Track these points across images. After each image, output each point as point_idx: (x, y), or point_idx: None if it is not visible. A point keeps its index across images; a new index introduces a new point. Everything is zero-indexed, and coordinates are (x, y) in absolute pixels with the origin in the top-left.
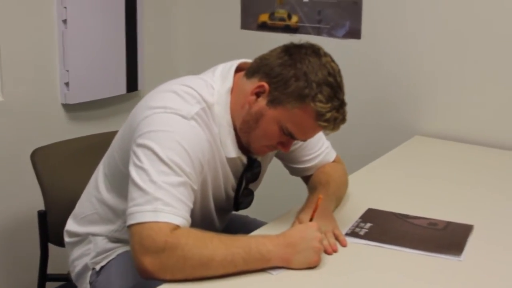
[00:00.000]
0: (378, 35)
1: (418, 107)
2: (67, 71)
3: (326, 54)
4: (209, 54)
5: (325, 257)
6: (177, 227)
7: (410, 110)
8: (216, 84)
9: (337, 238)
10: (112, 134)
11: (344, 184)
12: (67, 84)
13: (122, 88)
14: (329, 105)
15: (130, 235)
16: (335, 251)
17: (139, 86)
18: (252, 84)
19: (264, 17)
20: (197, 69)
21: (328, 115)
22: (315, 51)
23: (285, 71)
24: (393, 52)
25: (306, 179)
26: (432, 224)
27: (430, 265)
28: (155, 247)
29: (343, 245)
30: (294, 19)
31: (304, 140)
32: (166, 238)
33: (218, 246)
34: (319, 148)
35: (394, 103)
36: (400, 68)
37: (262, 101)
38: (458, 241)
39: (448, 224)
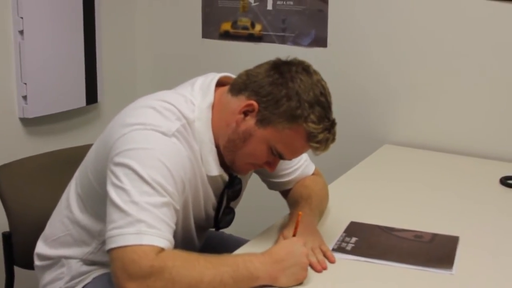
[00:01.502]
0: (345, 43)
1: (387, 116)
2: (25, 84)
3: (316, 72)
4: (170, 64)
5: (315, 274)
6: (161, 250)
7: (379, 119)
8: (196, 100)
9: (324, 254)
10: (78, 149)
11: (326, 197)
12: (25, 97)
13: (81, 101)
14: (321, 126)
15: (111, 260)
16: (324, 268)
17: (99, 98)
18: (239, 101)
19: (226, 26)
20: (158, 79)
21: (321, 136)
22: (306, 68)
23: (276, 90)
24: (360, 60)
25: (285, 193)
26: (418, 236)
27: (422, 280)
28: (141, 273)
29: (331, 261)
30: (258, 27)
31: (291, 159)
32: (151, 262)
33: (206, 266)
34: (298, 161)
35: (363, 112)
36: (367, 76)
37: (251, 120)
38: (447, 254)
39: (434, 236)
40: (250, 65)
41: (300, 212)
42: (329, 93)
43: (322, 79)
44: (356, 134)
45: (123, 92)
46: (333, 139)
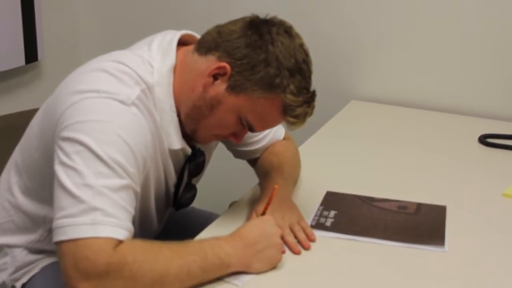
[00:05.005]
0: None
1: (353, 70)
2: None
3: (298, 35)
4: (116, 15)
5: (292, 257)
6: (119, 242)
7: (345, 73)
8: (155, 61)
9: (303, 231)
10: (20, 115)
11: (298, 164)
12: None
13: (20, 59)
14: (300, 98)
15: (60, 255)
16: (307, 248)
17: (39, 56)
18: (207, 62)
19: None
20: (104, 33)
21: (299, 110)
22: (287, 30)
23: (253, 53)
24: (326, 11)
25: (253, 161)
26: (402, 207)
27: (413, 259)
28: (96, 272)
29: (312, 239)
30: None
31: (260, 132)
32: (108, 259)
33: (171, 257)
34: None
35: (329, 66)
36: (333, 28)
37: (221, 85)
38: (436, 228)
39: (419, 206)
40: (209, 13)
41: (276, 186)
42: (311, 60)
43: (304, 44)
44: (323, 90)
45: (67, 48)
46: (311, 113)
